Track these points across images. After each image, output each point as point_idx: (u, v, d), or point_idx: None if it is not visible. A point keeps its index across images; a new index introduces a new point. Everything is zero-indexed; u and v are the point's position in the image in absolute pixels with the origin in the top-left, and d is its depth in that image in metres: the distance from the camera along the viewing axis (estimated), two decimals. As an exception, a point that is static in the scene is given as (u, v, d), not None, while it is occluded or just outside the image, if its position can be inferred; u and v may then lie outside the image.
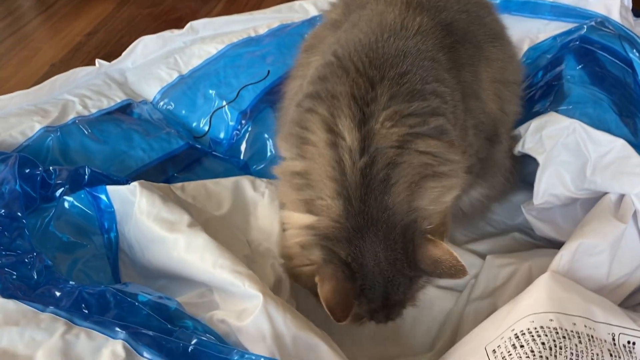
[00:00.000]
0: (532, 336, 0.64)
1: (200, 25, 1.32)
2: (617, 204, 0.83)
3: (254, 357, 0.58)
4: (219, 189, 0.93)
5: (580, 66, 0.97)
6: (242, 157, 1.06)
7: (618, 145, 0.82)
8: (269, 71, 1.14)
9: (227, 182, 0.94)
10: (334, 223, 0.67)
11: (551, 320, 0.65)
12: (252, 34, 1.27)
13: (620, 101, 0.91)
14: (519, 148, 0.93)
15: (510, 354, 0.63)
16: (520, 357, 0.62)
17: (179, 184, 0.91)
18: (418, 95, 0.70)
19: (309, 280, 0.69)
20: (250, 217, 0.93)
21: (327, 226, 0.68)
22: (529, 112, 0.96)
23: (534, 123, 0.91)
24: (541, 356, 0.62)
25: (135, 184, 0.79)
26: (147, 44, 1.26)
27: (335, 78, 0.71)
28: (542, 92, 0.99)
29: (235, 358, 0.59)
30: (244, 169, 1.06)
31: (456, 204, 0.87)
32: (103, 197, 0.81)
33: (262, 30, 1.29)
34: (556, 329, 0.64)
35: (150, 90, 1.16)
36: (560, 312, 0.66)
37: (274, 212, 0.92)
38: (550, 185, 0.87)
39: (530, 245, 0.99)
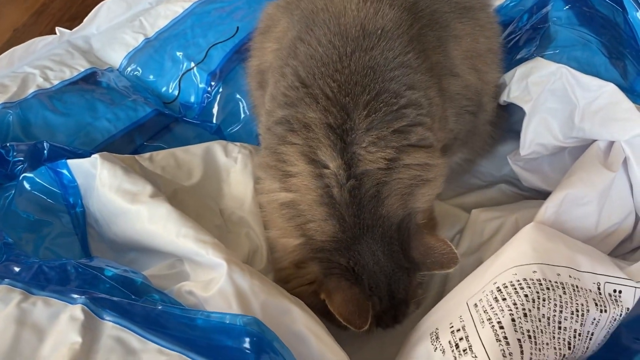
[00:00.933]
0: (515, 289, 0.62)
1: (165, -17, 1.23)
2: (606, 152, 0.79)
3: (219, 316, 0.57)
4: (189, 157, 0.90)
5: (567, 6, 0.90)
6: (214, 121, 1.02)
7: (608, 90, 0.78)
8: (237, 27, 1.08)
9: (197, 149, 0.91)
10: (329, 238, 0.68)
11: (534, 272, 0.63)
12: (220, -11, 1.20)
13: (610, 43, 0.85)
14: (504, 97, 0.88)
15: (492, 307, 0.61)
16: (503, 310, 0.60)
17: (147, 154, 0.87)
18: (395, 113, 0.68)
19: (312, 299, 0.68)
20: (223, 184, 0.90)
21: (322, 240, 0.68)
22: (514, 58, 0.91)
23: (519, 70, 0.86)
24: (524, 309, 0.60)
25: (96, 156, 0.76)
26: (110, 7, 1.18)
27: (304, 105, 0.69)
28: (527, 37, 0.93)
29: (200, 318, 0.57)
30: (217, 133, 1.02)
31: None
32: (65, 172, 0.78)
33: (231, -16, 1.21)
34: (539, 280, 0.62)
35: (116, 56, 1.11)
36: (544, 263, 0.64)
37: (247, 177, 0.89)
38: (538, 134, 0.83)
39: (518, 196, 0.96)
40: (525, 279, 0.63)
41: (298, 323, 0.63)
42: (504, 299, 0.61)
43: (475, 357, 0.58)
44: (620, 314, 0.64)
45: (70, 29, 1.23)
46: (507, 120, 0.96)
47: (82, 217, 0.79)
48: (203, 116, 1.02)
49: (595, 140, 0.80)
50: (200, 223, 0.79)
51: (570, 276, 0.64)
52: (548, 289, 0.62)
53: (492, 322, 0.60)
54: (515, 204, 0.92)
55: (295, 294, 0.69)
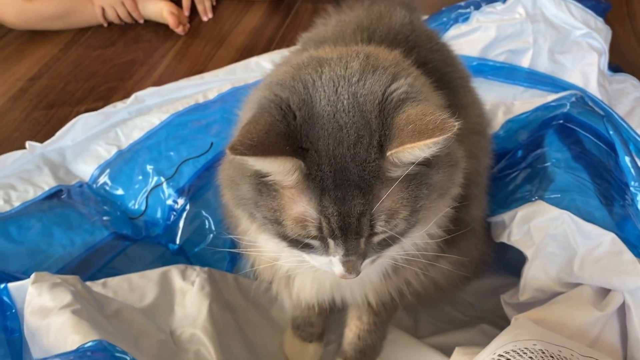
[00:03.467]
0: (517, 353, 0.61)
1: (146, 95, 1.25)
2: (597, 294, 0.80)
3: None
4: (144, 282, 0.89)
5: (564, 147, 0.94)
6: (178, 239, 0.99)
7: (608, 240, 0.80)
8: (212, 143, 1.08)
9: (153, 274, 0.90)
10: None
11: (535, 344, 0.62)
12: (201, 100, 1.21)
13: (604, 188, 0.88)
14: (504, 239, 0.88)
15: None
16: None
17: (101, 280, 0.86)
18: None
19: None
20: (176, 306, 0.89)
21: None
22: (513, 196, 0.91)
23: (520, 212, 0.87)
24: None
25: (33, 276, 0.74)
26: (87, 121, 1.18)
27: None
28: (525, 176, 0.94)
29: None
30: (180, 253, 0.99)
31: (427, 280, 0.80)
32: (4, 297, 0.75)
33: (212, 95, 1.23)
34: (542, 351, 0.61)
35: (87, 168, 1.09)
36: (543, 340, 0.64)
37: (203, 298, 0.89)
38: (537, 279, 0.83)
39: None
40: (527, 348, 0.62)
41: None
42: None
43: None
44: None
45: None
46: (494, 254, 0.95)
47: (20, 344, 0.75)
48: (167, 234, 1.00)
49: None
50: (142, 340, 0.80)
51: (572, 355, 0.62)
52: (552, 357, 0.60)
53: None
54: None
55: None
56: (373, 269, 0.68)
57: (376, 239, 0.59)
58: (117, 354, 0.63)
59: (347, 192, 0.55)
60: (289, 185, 0.56)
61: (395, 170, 0.56)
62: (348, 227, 0.56)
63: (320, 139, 0.56)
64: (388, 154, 0.55)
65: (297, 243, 0.60)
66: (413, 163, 0.55)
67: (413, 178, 0.57)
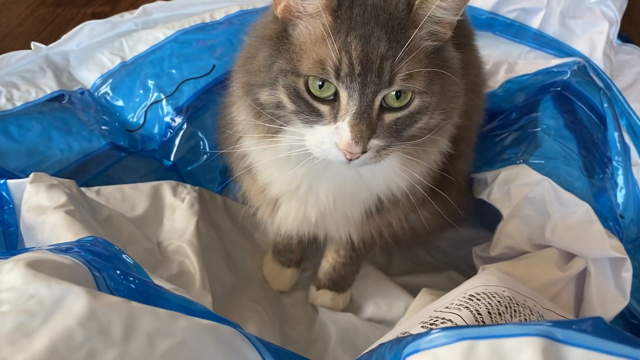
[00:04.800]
0: (487, 296, 0.65)
1: (154, 8, 1.23)
2: (562, 257, 0.85)
3: None
4: (136, 194, 0.92)
5: (558, 115, 0.96)
6: (173, 156, 1.02)
7: (582, 210, 0.84)
8: (214, 65, 1.09)
9: (145, 187, 0.93)
10: None
11: (504, 291, 0.66)
12: (208, 19, 1.19)
13: (588, 160, 0.92)
14: (483, 196, 0.92)
15: (467, 303, 0.63)
16: (478, 303, 0.62)
17: (95, 188, 0.89)
18: None
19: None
20: (165, 220, 0.93)
21: None
22: (499, 156, 0.95)
23: (503, 173, 0.90)
24: (498, 309, 0.62)
25: (31, 175, 0.77)
26: (94, 28, 1.16)
27: None
28: (514, 138, 0.97)
29: None
30: (173, 169, 1.02)
31: (403, 226, 0.85)
32: (3, 192, 0.78)
33: (219, 16, 1.21)
34: (510, 297, 0.65)
35: (90, 76, 1.09)
36: (512, 289, 0.68)
37: (191, 214, 0.93)
38: (509, 237, 0.88)
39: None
40: (496, 293, 0.65)
41: None
42: (479, 300, 0.64)
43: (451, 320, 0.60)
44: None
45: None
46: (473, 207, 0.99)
47: (15, 237, 0.79)
48: (162, 150, 1.02)
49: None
50: (130, 246, 0.84)
51: (535, 306, 0.67)
52: (517, 305, 0.65)
53: (469, 309, 0.61)
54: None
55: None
56: (371, 172, 0.70)
57: (388, 117, 0.62)
58: (112, 249, 0.66)
59: (373, 33, 0.59)
60: (320, 17, 0.60)
61: (420, 32, 0.60)
62: (369, 68, 0.59)
63: None
64: (416, 3, 0.59)
65: (305, 107, 0.61)
66: (435, 22, 0.61)
67: (431, 54, 0.62)
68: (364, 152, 0.60)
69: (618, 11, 1.25)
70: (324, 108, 0.61)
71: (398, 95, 0.61)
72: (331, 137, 0.60)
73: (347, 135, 0.59)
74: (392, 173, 0.71)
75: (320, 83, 0.60)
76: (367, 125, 0.59)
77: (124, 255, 0.66)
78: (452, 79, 0.65)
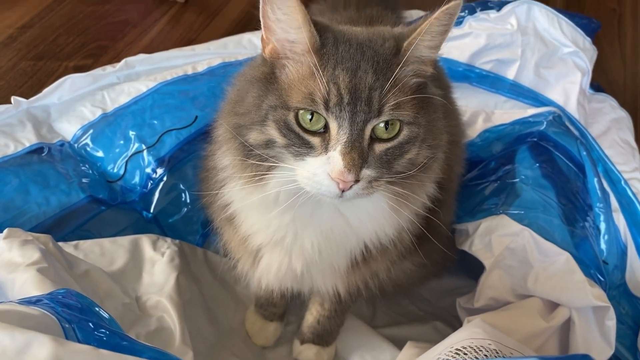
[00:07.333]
0: (474, 350, 0.64)
1: (137, 61, 1.25)
2: (546, 307, 0.84)
3: None
4: (115, 248, 0.91)
5: (535, 165, 0.98)
6: (153, 208, 1.01)
7: (563, 259, 0.85)
8: (196, 116, 1.10)
9: (124, 241, 0.92)
10: None
11: (490, 344, 0.65)
12: (190, 71, 1.21)
13: (568, 209, 0.93)
14: (466, 247, 0.93)
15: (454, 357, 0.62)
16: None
17: (74, 242, 0.88)
18: None
19: None
20: (144, 274, 0.92)
21: None
22: (479, 206, 0.96)
23: (484, 224, 0.91)
24: None
25: (5, 231, 0.77)
26: (75, 82, 1.17)
27: None
28: (493, 188, 0.98)
29: None
30: (154, 221, 1.01)
31: (389, 277, 0.84)
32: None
33: (201, 68, 1.23)
34: (496, 350, 0.64)
35: (70, 128, 1.09)
36: (498, 342, 0.67)
37: (172, 269, 0.91)
38: (493, 289, 0.88)
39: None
40: (482, 346, 0.64)
41: None
42: (465, 354, 0.63)
43: None
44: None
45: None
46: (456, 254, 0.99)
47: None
48: (143, 202, 1.01)
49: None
50: (108, 301, 0.82)
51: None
52: (504, 358, 0.63)
53: None
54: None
55: None
56: (364, 207, 0.69)
57: (379, 148, 0.62)
58: (85, 301, 0.64)
59: (360, 66, 0.61)
60: (306, 56, 0.62)
61: (405, 68, 0.63)
62: (359, 97, 0.60)
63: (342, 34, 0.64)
64: (405, 43, 0.62)
65: (296, 140, 0.61)
66: (420, 61, 0.64)
67: (415, 89, 0.64)
68: (356, 181, 0.60)
69: (589, 62, 1.30)
70: (315, 140, 0.61)
71: (386, 127, 0.62)
72: (323, 167, 0.60)
73: (339, 163, 0.59)
74: (381, 217, 0.71)
75: (310, 116, 0.61)
76: (359, 154, 0.60)
77: (97, 309, 0.65)
78: (436, 114, 0.68)
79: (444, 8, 0.60)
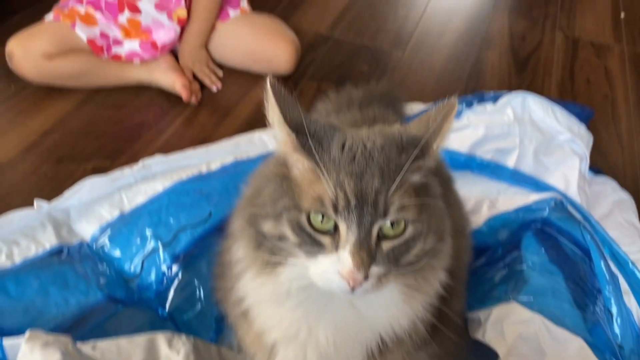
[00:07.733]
0: None
1: (154, 162, 1.31)
2: None
3: None
4: (132, 347, 0.91)
5: (542, 250, 0.99)
6: (168, 305, 1.03)
7: (576, 345, 0.85)
8: (210, 212, 1.14)
9: (140, 340, 0.92)
10: None
11: None
12: (204, 170, 1.27)
13: (578, 293, 0.94)
14: (479, 336, 0.93)
15: None
16: None
17: (91, 342, 0.89)
18: None
19: None
20: None
21: None
22: (489, 293, 0.97)
23: (495, 312, 0.92)
24: None
25: (27, 333, 0.78)
26: (95, 184, 1.23)
27: None
28: (502, 275, 1.00)
29: None
30: (169, 319, 1.03)
31: None
32: (-2, 352, 0.78)
33: (215, 166, 1.29)
34: None
35: (89, 228, 1.13)
36: None
37: None
38: None
39: None
40: None
41: None
42: None
43: None
44: None
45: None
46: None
47: (10, 401, 0.78)
48: (158, 299, 1.03)
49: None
50: None
51: None
52: None
53: None
54: None
55: None
56: (377, 299, 0.70)
57: (386, 246, 0.64)
58: None
59: (366, 170, 0.63)
60: (310, 167, 0.65)
61: (410, 173, 0.65)
62: (365, 200, 0.62)
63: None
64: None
65: (308, 239, 0.64)
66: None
67: (420, 188, 0.67)
68: (366, 278, 0.62)
69: (586, 147, 1.35)
70: (326, 239, 0.64)
71: (392, 225, 0.64)
72: (334, 266, 0.63)
73: (348, 262, 0.61)
74: (394, 308, 0.72)
75: (321, 217, 0.64)
76: (367, 253, 0.62)
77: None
78: (437, 205, 0.71)
79: (452, 109, 0.66)
